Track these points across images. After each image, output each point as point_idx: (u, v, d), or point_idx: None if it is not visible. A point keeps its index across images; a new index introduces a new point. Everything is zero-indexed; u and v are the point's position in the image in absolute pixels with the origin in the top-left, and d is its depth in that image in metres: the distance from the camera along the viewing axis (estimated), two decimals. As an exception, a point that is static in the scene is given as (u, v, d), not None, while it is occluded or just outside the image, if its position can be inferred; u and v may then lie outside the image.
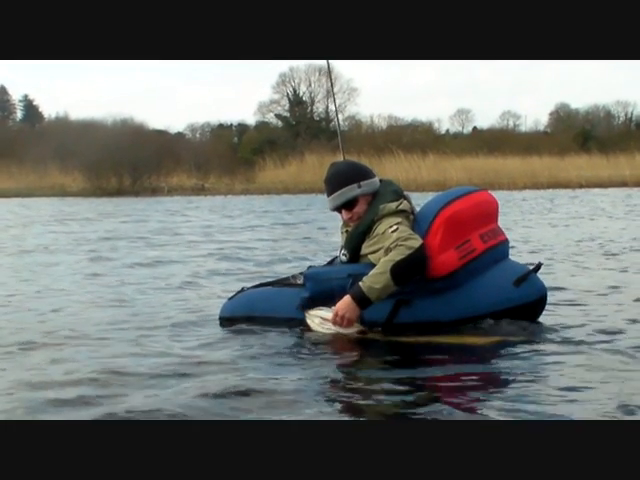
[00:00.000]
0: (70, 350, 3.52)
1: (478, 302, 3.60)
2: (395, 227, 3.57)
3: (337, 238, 4.35)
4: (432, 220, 3.60)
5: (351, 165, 3.93)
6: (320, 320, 3.67)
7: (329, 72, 4.61)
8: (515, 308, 3.63)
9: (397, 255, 3.45)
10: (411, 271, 3.48)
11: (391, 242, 3.50)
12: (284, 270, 5.88)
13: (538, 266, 3.78)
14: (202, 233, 10.68)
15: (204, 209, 17.89)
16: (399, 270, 3.44)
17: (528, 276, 3.70)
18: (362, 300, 3.49)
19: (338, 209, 3.83)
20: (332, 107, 41.79)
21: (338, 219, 4.01)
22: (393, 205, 3.70)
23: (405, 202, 3.77)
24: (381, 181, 3.88)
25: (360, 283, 3.49)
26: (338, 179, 3.81)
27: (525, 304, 3.66)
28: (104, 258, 7.56)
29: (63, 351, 3.51)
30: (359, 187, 3.76)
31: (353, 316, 3.52)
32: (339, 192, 3.77)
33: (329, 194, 3.84)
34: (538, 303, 3.75)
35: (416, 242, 3.49)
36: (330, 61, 4.54)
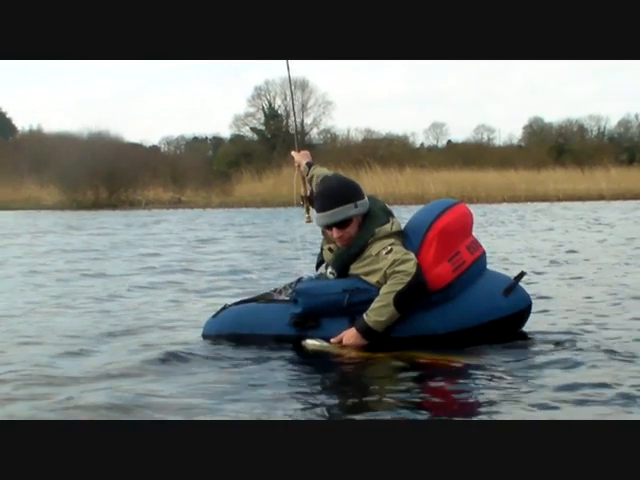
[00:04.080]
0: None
1: (472, 313, 3.63)
2: (389, 248, 3.57)
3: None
4: (424, 234, 3.63)
5: (346, 182, 3.78)
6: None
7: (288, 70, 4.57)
8: (506, 318, 3.68)
9: (397, 285, 3.48)
10: (413, 297, 3.52)
11: (387, 265, 3.52)
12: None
13: (520, 275, 3.80)
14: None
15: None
16: (401, 300, 3.48)
17: (515, 286, 3.74)
18: (368, 333, 3.53)
19: (329, 227, 3.72)
20: (307, 121, 41.85)
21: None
22: (388, 227, 3.69)
23: (396, 221, 3.75)
24: (367, 198, 3.79)
25: (365, 317, 3.52)
26: (335, 196, 3.67)
27: (515, 313, 3.72)
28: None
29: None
30: (355, 207, 3.67)
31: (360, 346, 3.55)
32: (335, 210, 3.65)
33: (322, 210, 3.70)
34: (525, 311, 3.81)
35: (412, 265, 3.50)
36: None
